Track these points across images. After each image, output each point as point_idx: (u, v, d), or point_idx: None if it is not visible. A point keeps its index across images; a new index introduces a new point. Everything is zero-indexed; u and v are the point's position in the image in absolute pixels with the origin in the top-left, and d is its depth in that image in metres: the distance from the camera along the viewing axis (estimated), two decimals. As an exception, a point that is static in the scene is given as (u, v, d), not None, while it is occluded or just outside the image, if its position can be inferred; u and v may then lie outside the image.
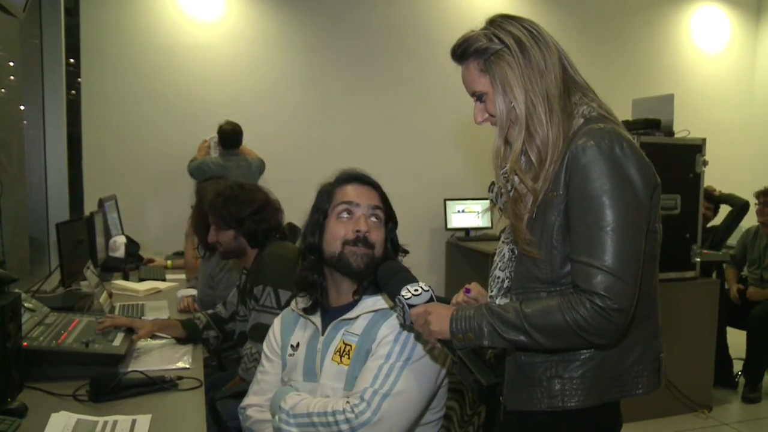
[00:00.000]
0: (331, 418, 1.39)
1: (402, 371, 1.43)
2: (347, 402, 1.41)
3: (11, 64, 3.71)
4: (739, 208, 4.42)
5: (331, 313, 1.60)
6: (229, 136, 4.57)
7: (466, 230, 5.42)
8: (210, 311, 2.37)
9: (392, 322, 1.49)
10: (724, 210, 4.68)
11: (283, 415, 1.46)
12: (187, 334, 2.18)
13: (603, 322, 1.12)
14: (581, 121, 1.24)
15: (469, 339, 1.21)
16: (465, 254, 5.36)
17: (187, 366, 1.92)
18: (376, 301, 1.54)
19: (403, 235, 1.67)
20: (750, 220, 4.52)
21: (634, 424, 3.44)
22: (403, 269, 1.42)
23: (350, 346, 1.52)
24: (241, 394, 1.78)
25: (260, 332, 2.06)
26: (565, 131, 1.22)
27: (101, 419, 1.47)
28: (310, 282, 1.61)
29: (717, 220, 4.72)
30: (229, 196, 2.26)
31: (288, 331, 1.68)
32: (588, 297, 1.12)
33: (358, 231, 1.53)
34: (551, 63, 1.24)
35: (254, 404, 1.66)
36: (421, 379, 1.45)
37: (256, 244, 2.27)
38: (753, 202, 4.39)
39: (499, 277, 1.34)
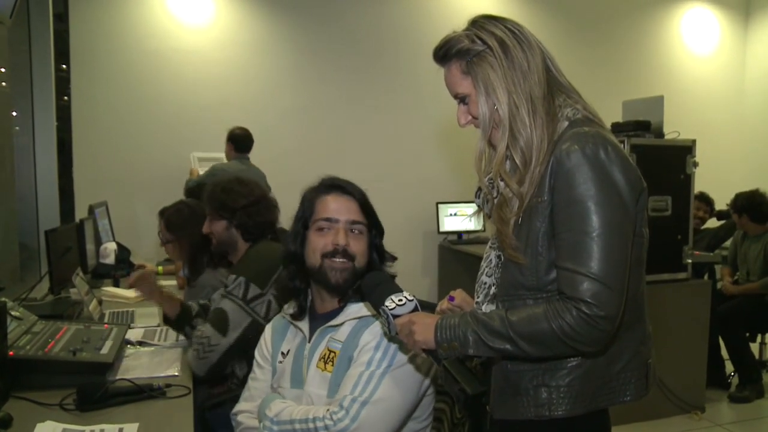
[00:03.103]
0: (311, 425, 1.40)
1: (382, 379, 1.42)
2: (327, 409, 1.41)
3: (2, 70, 3.69)
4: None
5: (317, 320, 1.60)
6: (244, 139, 4.53)
7: (459, 233, 5.42)
8: (201, 301, 2.35)
9: (374, 329, 1.49)
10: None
11: (267, 423, 1.47)
12: (179, 314, 2.16)
13: (590, 330, 1.10)
14: (566, 123, 1.22)
15: (455, 348, 1.19)
16: (457, 257, 5.36)
17: (176, 373, 1.90)
18: (361, 308, 1.54)
19: (395, 239, 1.66)
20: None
21: (627, 426, 3.44)
22: (387, 279, 1.41)
23: (334, 352, 1.52)
24: (230, 401, 1.77)
25: (217, 318, 1.99)
26: (550, 134, 1.20)
27: (88, 428, 1.46)
28: (292, 289, 1.62)
29: (711, 222, 4.77)
30: (225, 186, 2.28)
31: (279, 338, 1.68)
32: (574, 304, 1.10)
33: (336, 244, 1.53)
34: (534, 64, 1.23)
35: (245, 410, 1.66)
36: (402, 387, 1.44)
37: (248, 238, 2.25)
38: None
39: (485, 283, 1.32)
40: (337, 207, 1.57)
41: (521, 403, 1.24)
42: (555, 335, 1.11)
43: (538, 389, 1.22)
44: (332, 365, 1.50)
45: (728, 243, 4.63)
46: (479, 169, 1.29)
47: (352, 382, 1.42)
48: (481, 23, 1.26)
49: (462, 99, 1.29)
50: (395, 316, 1.28)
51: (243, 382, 2.13)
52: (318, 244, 1.54)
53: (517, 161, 1.21)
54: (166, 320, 2.20)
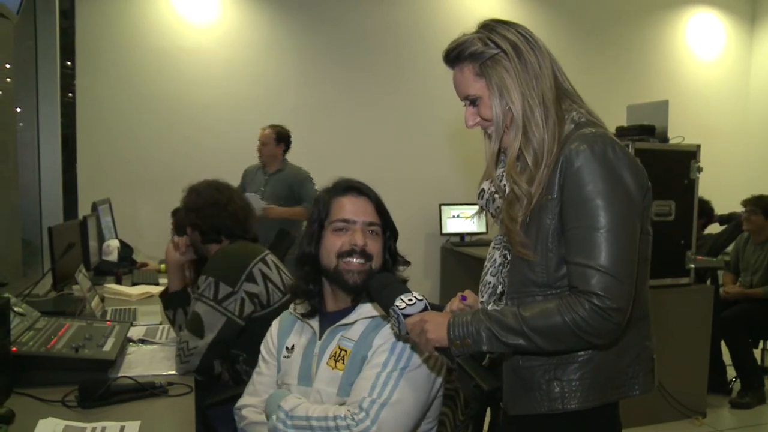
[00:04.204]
0: (331, 423, 1.39)
1: (399, 380, 1.43)
2: (348, 410, 1.41)
3: (8, 66, 3.70)
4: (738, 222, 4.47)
5: (328, 318, 1.60)
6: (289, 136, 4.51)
7: (461, 235, 5.41)
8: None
9: (388, 330, 1.48)
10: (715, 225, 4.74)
11: (282, 415, 1.44)
12: (179, 293, 2.18)
13: (602, 322, 1.13)
14: (572, 126, 1.26)
15: (468, 345, 1.21)
16: (460, 260, 5.35)
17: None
18: (373, 307, 1.54)
19: (397, 241, 1.66)
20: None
21: (628, 430, 3.40)
22: (395, 280, 1.41)
23: (345, 351, 1.52)
24: (232, 399, 1.77)
25: (192, 321, 1.99)
26: (558, 136, 1.23)
27: (89, 425, 1.46)
28: (306, 292, 1.62)
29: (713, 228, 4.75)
30: (191, 189, 2.28)
31: (284, 334, 1.68)
32: (586, 298, 1.13)
33: (354, 244, 1.53)
34: (546, 68, 1.26)
35: (249, 405, 1.66)
36: (417, 388, 1.45)
37: (206, 240, 2.24)
38: (741, 209, 4.41)
39: (490, 283, 1.34)
40: (353, 208, 1.57)
41: (534, 398, 1.26)
42: (569, 329, 1.14)
43: (550, 384, 1.25)
44: (343, 364, 1.50)
45: (730, 248, 4.62)
46: (492, 169, 1.32)
47: (369, 384, 1.42)
48: (492, 26, 1.28)
49: (472, 101, 1.30)
50: (406, 316, 1.29)
51: (235, 379, 2.13)
52: (335, 244, 1.54)
53: (529, 161, 1.24)
54: (164, 294, 2.21)
